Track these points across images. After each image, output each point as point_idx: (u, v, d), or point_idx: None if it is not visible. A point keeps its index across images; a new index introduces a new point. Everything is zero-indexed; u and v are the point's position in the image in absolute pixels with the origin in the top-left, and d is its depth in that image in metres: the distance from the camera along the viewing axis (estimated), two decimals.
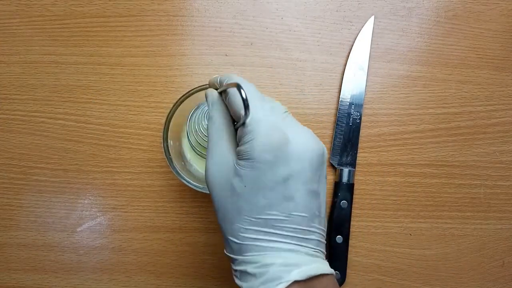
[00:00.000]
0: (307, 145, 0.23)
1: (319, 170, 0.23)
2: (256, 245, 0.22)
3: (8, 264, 0.39)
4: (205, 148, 0.34)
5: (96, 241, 0.39)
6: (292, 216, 0.22)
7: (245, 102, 0.21)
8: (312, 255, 0.22)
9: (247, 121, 0.22)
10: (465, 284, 0.40)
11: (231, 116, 0.25)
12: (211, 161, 0.24)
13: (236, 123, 0.24)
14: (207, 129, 0.25)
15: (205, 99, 0.26)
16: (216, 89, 0.26)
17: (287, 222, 0.22)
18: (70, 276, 0.39)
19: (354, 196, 0.39)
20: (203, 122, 0.32)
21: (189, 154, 0.36)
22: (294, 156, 0.22)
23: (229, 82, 0.23)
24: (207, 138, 0.33)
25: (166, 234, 0.39)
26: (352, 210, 0.39)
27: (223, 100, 0.25)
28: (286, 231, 0.22)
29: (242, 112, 0.22)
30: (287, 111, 0.24)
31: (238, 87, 0.21)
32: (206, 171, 0.24)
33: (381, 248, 0.40)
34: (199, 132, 0.32)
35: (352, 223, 0.39)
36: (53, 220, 0.39)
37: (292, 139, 0.22)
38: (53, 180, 0.39)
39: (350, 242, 0.39)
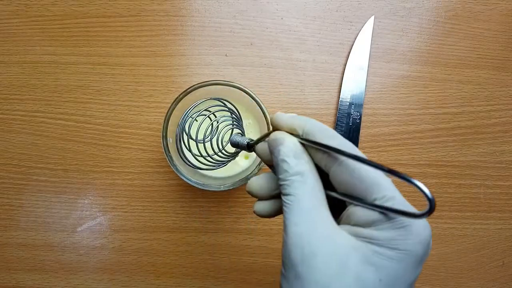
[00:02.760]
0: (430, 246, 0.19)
1: None
2: None
3: (8, 264, 0.39)
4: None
5: (96, 241, 0.39)
6: None
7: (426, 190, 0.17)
8: None
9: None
10: (465, 284, 0.40)
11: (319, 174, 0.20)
12: (310, 234, 0.19)
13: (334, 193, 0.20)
14: (287, 183, 0.20)
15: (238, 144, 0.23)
16: (294, 135, 0.21)
17: None
18: (70, 276, 0.39)
19: None
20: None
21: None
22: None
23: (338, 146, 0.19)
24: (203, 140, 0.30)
25: (166, 234, 0.39)
26: None
27: (308, 152, 0.21)
28: None
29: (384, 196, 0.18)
30: None
31: (407, 177, 0.17)
32: (295, 244, 0.19)
33: None
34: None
35: None
36: (53, 220, 0.39)
37: None
38: (53, 180, 0.39)
39: None
